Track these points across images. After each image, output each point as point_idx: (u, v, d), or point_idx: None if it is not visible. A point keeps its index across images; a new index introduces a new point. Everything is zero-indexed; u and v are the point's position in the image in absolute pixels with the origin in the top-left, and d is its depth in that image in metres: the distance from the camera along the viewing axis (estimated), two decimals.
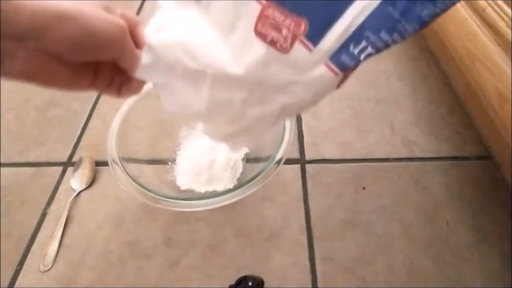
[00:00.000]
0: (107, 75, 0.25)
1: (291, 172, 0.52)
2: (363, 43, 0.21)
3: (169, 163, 0.52)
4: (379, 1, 0.20)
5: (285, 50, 0.22)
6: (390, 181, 0.50)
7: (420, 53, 0.69)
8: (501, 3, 0.48)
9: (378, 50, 0.22)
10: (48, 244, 0.46)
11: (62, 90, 0.24)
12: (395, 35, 0.21)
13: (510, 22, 0.46)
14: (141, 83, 0.27)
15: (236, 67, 0.23)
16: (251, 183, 0.41)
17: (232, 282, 0.41)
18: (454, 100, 0.60)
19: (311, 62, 0.23)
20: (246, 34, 0.23)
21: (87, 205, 0.50)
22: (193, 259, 0.44)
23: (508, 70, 0.46)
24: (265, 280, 0.42)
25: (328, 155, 0.54)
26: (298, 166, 0.53)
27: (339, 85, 0.25)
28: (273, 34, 0.22)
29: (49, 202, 0.50)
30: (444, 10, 0.21)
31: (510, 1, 0.47)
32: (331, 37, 0.22)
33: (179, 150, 0.53)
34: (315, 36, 0.22)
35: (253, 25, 0.22)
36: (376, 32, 0.21)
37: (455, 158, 0.53)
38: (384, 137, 0.56)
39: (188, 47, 0.24)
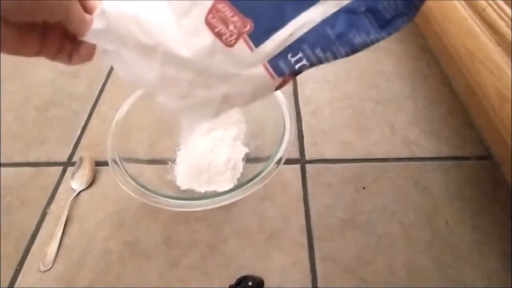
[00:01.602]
0: (56, 41, 0.25)
1: (291, 172, 0.52)
2: (300, 55, 0.23)
3: (169, 163, 0.52)
4: (320, 20, 0.22)
5: (229, 44, 0.24)
6: (390, 181, 0.50)
7: (420, 53, 0.69)
8: (501, 3, 0.48)
9: (312, 64, 0.24)
10: (48, 244, 0.46)
11: (8, 54, 0.23)
12: (328, 54, 0.23)
13: (510, 22, 0.46)
14: (92, 49, 0.27)
15: (184, 51, 0.24)
16: (251, 183, 0.41)
17: (232, 282, 0.41)
18: (454, 100, 0.60)
19: (251, 61, 0.24)
20: (198, 22, 0.24)
21: (87, 205, 0.50)
22: (193, 259, 0.44)
23: (508, 70, 0.46)
24: (265, 280, 0.42)
25: (328, 155, 0.54)
26: (298, 166, 0.53)
27: (278, 87, 0.27)
28: (221, 27, 0.23)
29: (49, 202, 0.50)
30: (375, 42, 0.23)
31: (510, 1, 0.47)
32: (272, 42, 0.23)
33: (179, 150, 0.53)
34: (257, 38, 0.23)
35: (205, 15, 0.23)
36: (312, 47, 0.23)
37: (455, 158, 0.53)
38: (384, 137, 0.56)
39: (142, 22, 0.24)
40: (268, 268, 0.43)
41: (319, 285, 0.42)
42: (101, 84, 0.67)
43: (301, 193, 0.50)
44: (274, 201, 0.49)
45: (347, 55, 0.23)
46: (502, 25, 0.48)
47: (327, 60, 0.24)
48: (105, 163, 0.50)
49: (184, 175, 0.50)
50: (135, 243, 0.46)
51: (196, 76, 0.26)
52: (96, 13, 0.25)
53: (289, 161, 0.52)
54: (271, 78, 0.25)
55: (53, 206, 0.50)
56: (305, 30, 0.23)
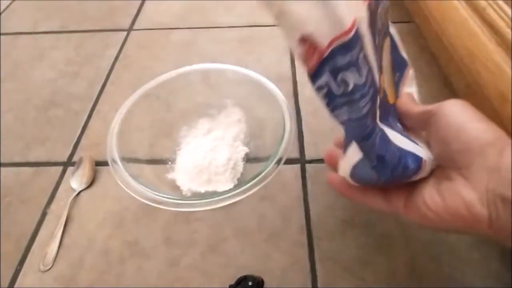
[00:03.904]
0: None
1: (291, 172, 0.52)
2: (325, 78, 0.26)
3: (169, 163, 0.52)
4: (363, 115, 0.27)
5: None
6: None
7: (420, 53, 0.69)
8: (501, 3, 0.48)
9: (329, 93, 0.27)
10: (48, 244, 0.46)
11: None
12: (345, 110, 0.28)
13: (510, 22, 0.46)
14: None
15: (294, 4, 0.25)
16: (251, 183, 0.41)
17: (232, 282, 0.41)
18: None
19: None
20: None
21: (87, 205, 0.50)
22: (193, 259, 0.44)
23: (508, 70, 0.46)
24: (265, 280, 0.42)
25: None
26: (298, 166, 0.53)
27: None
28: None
29: (49, 202, 0.50)
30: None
31: (510, 1, 0.47)
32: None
33: (179, 150, 0.53)
34: (316, 74, 0.26)
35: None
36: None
37: None
38: None
39: None
40: (268, 268, 0.43)
41: (319, 285, 0.42)
42: (101, 84, 0.67)
43: (301, 193, 0.50)
44: (274, 201, 0.49)
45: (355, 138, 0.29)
46: (502, 25, 0.48)
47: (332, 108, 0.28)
48: (105, 163, 0.50)
49: (184, 175, 0.50)
50: (135, 243, 0.46)
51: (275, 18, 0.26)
52: None
53: (289, 161, 0.52)
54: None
55: (53, 206, 0.50)
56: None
